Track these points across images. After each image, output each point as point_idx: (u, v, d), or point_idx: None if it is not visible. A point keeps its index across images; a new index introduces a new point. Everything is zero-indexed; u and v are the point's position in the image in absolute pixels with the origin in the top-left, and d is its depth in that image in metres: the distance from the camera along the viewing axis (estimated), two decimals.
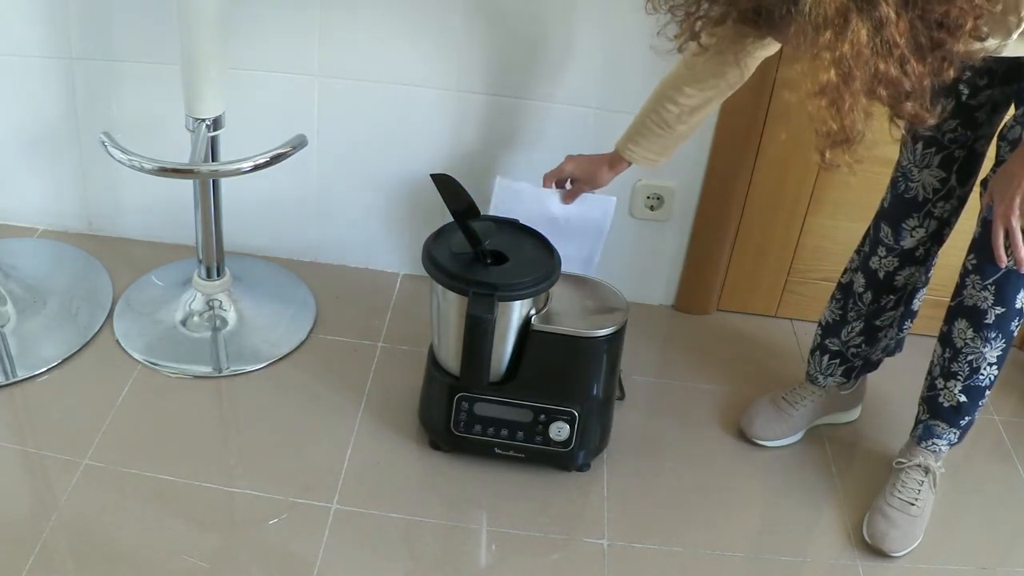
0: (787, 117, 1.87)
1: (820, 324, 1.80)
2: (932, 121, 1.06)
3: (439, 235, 1.62)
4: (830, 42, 0.96)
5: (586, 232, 1.75)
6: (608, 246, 1.77)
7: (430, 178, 1.52)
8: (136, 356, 1.85)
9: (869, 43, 0.96)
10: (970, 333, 1.53)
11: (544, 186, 1.74)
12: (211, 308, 1.96)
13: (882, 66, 0.98)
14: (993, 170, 1.47)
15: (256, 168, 1.71)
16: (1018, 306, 1.50)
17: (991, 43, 1.09)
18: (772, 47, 1.39)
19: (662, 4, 1.13)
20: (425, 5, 1.84)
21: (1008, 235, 1.38)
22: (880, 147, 1.12)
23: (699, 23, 1.10)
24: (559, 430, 1.64)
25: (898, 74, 0.99)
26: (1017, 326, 1.52)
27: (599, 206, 1.75)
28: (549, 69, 1.89)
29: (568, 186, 1.74)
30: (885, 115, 1.07)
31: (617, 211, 1.76)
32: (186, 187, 1.88)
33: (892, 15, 0.95)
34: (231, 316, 1.97)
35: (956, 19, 0.99)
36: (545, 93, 1.91)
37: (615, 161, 1.67)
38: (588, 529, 1.62)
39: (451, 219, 1.56)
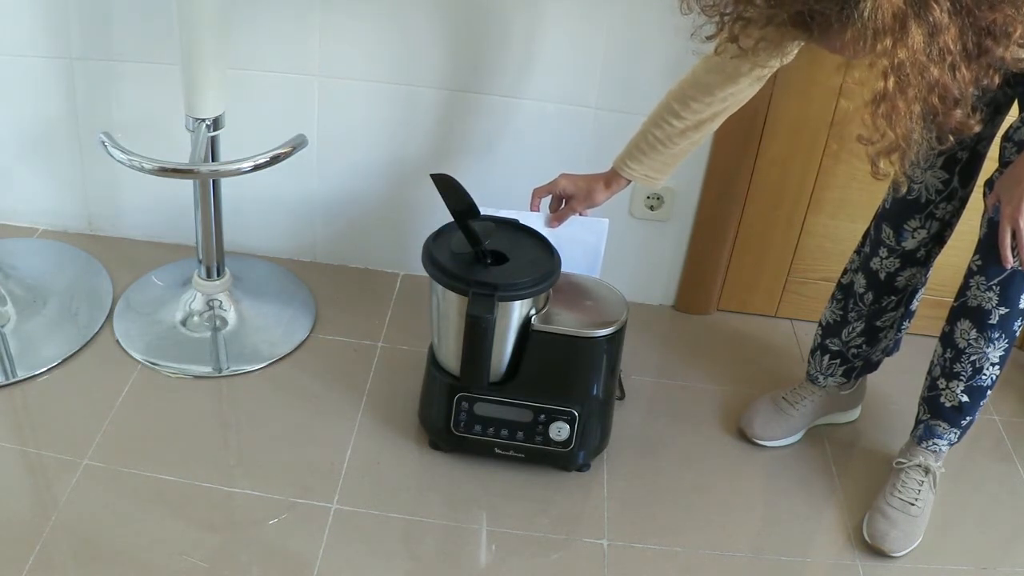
0: (787, 120, 1.88)
1: (820, 324, 1.80)
2: (977, 129, 1.05)
3: (439, 235, 1.62)
4: (888, 48, 0.95)
5: (582, 257, 1.70)
6: (608, 246, 1.76)
7: (430, 178, 1.52)
8: (136, 356, 1.85)
9: (925, 50, 0.95)
10: (973, 334, 1.53)
11: (533, 201, 1.69)
12: (211, 308, 1.96)
13: (936, 73, 0.97)
14: (998, 171, 1.47)
15: (256, 168, 1.71)
16: (1022, 306, 1.50)
17: None
18: (790, 57, 1.38)
19: (695, 4, 1.11)
20: (426, 5, 1.84)
21: (1015, 236, 1.38)
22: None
23: (738, 25, 1.07)
24: (559, 430, 1.64)
25: (950, 81, 0.98)
26: (1020, 326, 1.52)
27: (592, 229, 1.70)
28: (550, 70, 1.89)
29: (562, 205, 1.70)
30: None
31: (616, 212, 1.75)
32: (186, 187, 1.88)
33: (946, 20, 0.94)
34: (231, 316, 1.97)
35: (1004, 26, 0.98)
36: (546, 93, 1.91)
37: (611, 179, 1.63)
38: (588, 529, 1.62)
39: (451, 219, 1.56)
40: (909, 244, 1.61)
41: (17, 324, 1.89)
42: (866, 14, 0.93)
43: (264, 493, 1.61)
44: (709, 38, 1.12)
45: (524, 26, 1.85)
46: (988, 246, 1.46)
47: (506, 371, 1.63)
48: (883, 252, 1.64)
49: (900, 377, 1.89)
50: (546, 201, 1.71)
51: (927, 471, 1.66)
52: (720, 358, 2.05)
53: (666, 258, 2.12)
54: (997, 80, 1.03)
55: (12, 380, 1.76)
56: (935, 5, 0.93)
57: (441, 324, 1.63)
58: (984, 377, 1.56)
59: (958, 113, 1.03)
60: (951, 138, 1.06)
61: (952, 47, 0.96)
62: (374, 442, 1.73)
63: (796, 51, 1.35)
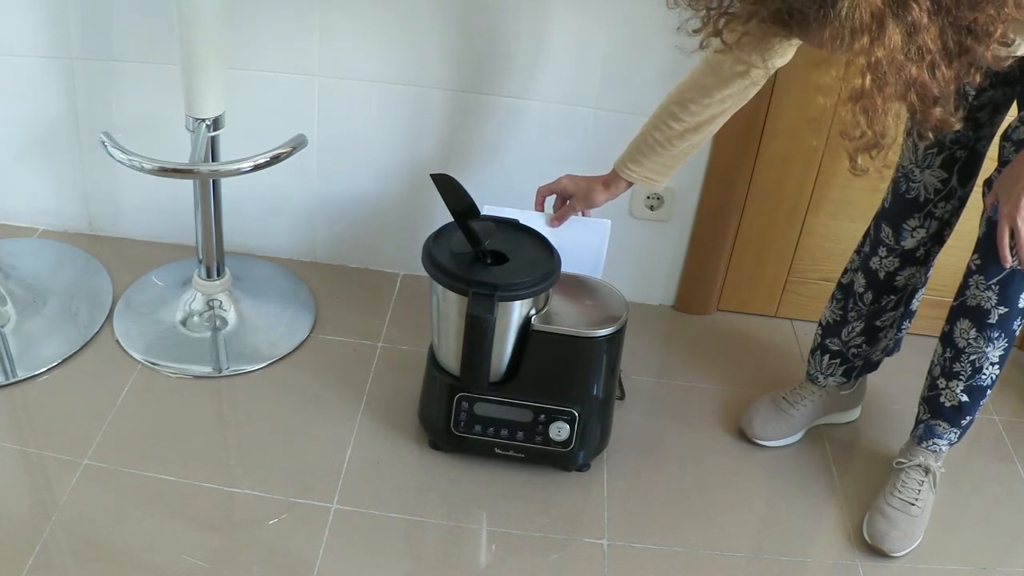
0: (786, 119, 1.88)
1: (820, 324, 1.80)
2: (958, 127, 1.06)
3: (439, 235, 1.62)
4: (865, 47, 0.95)
5: (584, 258, 1.71)
6: (608, 246, 1.76)
7: (430, 178, 1.52)
8: (136, 356, 1.85)
9: (903, 48, 0.95)
10: (973, 333, 1.53)
11: (537, 200, 1.70)
12: (211, 308, 1.96)
13: (914, 71, 0.98)
14: (997, 170, 1.47)
15: (256, 168, 1.71)
16: (1021, 305, 1.50)
17: (1017, 49, 1.09)
18: (787, 57, 1.38)
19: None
20: (426, 5, 1.84)
21: (1013, 235, 1.38)
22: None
23: (722, 19, 1.08)
24: (559, 430, 1.64)
25: (928, 79, 0.99)
26: (1019, 325, 1.52)
27: (594, 230, 1.71)
28: (550, 69, 1.89)
29: (566, 203, 1.70)
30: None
31: (616, 212, 1.75)
32: (186, 187, 1.88)
33: (925, 20, 0.95)
34: (231, 316, 1.97)
35: (985, 26, 0.98)
36: (547, 93, 1.91)
37: (611, 181, 1.64)
38: (588, 529, 1.62)
39: (451, 219, 1.56)
40: (908, 243, 1.61)
41: (17, 324, 1.89)
42: (843, 13, 0.94)
43: (264, 493, 1.61)
44: (695, 31, 1.13)
45: (523, 27, 1.85)
46: (987, 245, 1.46)
47: (506, 371, 1.63)
48: (882, 251, 1.64)
49: (900, 377, 1.89)
50: (551, 201, 1.72)
51: (927, 471, 1.66)
52: (720, 358, 2.05)
53: (666, 258, 2.12)
54: (979, 78, 1.04)
55: (12, 380, 1.76)
56: (914, 5, 0.94)
57: (441, 324, 1.63)
58: (984, 377, 1.56)
59: (938, 111, 1.03)
60: (931, 135, 1.07)
61: (931, 46, 0.97)
62: (374, 442, 1.73)
63: (793, 51, 1.36)
